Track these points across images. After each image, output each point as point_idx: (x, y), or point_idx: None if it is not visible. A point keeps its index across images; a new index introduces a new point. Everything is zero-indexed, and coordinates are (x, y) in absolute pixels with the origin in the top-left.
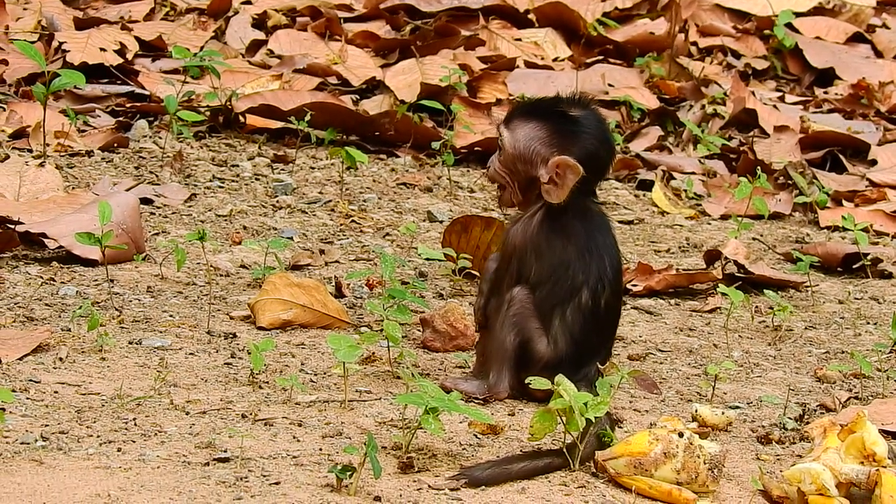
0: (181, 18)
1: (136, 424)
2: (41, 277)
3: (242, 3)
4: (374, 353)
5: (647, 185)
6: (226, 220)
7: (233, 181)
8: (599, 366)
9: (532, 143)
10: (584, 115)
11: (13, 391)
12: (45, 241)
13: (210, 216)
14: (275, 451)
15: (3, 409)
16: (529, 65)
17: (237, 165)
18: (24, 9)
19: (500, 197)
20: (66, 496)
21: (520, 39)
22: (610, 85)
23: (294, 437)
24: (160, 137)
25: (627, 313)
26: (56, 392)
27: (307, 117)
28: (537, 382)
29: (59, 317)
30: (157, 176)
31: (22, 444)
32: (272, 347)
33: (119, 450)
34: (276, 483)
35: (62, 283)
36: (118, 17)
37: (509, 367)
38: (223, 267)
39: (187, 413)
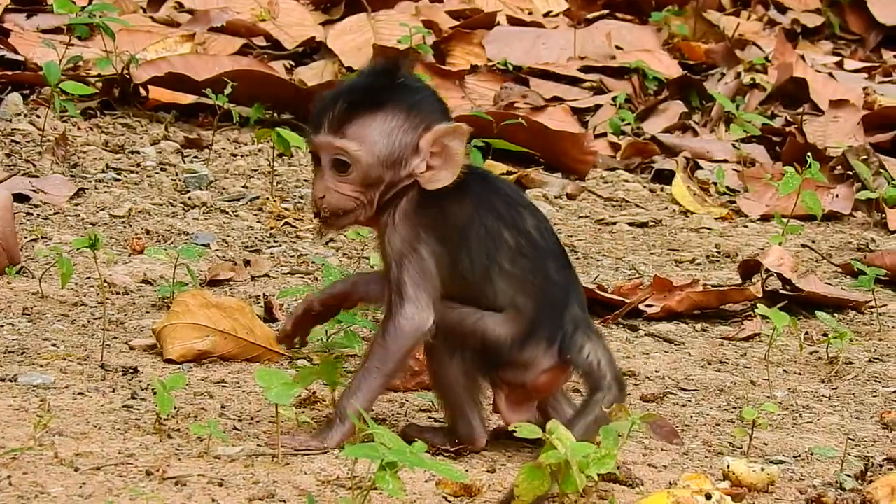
0: None
1: (10, 484)
2: None
3: None
4: (314, 393)
5: (665, 177)
6: (123, 223)
7: (132, 172)
8: (581, 311)
9: (394, 136)
10: (408, 77)
11: None
12: None
13: (103, 217)
14: None
15: None
16: (513, 21)
17: (137, 152)
18: None
19: (337, 222)
20: None
21: None
22: (618, 47)
23: (213, 500)
24: (38, 116)
25: (640, 342)
26: None
27: (227, 90)
28: (524, 430)
29: None
30: (34, 165)
31: None
32: (184, 385)
33: None
34: None
35: None
36: None
37: (477, 403)
38: (120, 282)
39: (76, 469)
